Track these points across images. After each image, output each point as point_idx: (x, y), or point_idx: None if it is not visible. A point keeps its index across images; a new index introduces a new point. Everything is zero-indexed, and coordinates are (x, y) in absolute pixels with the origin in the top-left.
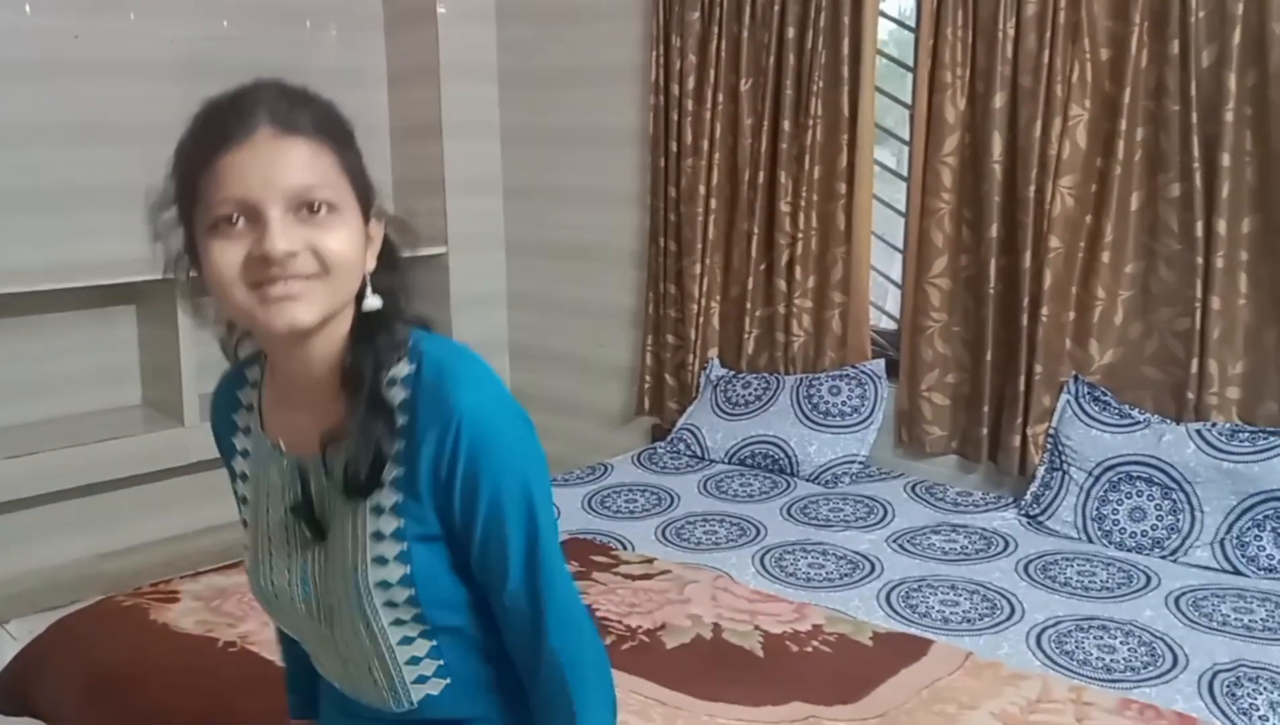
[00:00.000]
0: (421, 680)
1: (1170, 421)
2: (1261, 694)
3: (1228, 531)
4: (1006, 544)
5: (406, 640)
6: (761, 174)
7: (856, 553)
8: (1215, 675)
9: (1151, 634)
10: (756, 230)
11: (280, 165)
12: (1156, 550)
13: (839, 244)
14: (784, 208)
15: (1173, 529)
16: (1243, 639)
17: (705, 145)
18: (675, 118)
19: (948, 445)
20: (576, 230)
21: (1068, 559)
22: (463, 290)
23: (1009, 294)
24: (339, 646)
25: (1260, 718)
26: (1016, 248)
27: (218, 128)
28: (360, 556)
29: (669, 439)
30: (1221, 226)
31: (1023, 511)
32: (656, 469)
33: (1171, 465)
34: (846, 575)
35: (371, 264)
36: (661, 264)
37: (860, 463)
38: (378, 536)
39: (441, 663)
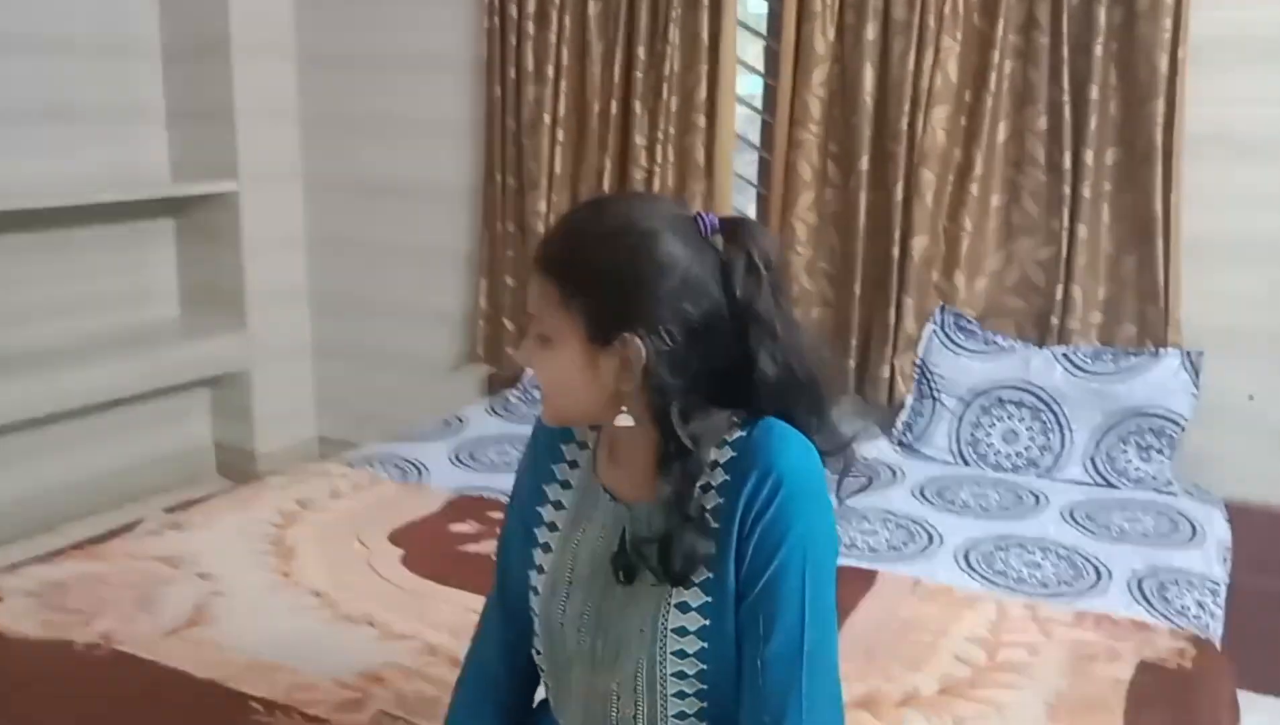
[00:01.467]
0: None
1: (1034, 346)
2: (1186, 594)
3: (1097, 447)
4: (894, 472)
5: (681, 695)
6: (614, 105)
7: None
8: (1141, 582)
9: (1064, 547)
10: (609, 164)
11: (530, 295)
12: (1032, 469)
13: (698, 180)
14: (639, 140)
15: (1045, 448)
16: (1147, 546)
17: (550, 72)
18: (514, 41)
19: None
20: (392, 164)
21: (956, 482)
22: (256, 232)
23: (878, 228)
24: (610, 681)
25: (1194, 616)
26: (887, 181)
27: None
28: (663, 614)
29: (521, 386)
30: (1089, 157)
31: (895, 439)
32: (516, 418)
33: (1041, 388)
34: None
35: (626, 384)
36: (499, 201)
37: None
38: (683, 608)
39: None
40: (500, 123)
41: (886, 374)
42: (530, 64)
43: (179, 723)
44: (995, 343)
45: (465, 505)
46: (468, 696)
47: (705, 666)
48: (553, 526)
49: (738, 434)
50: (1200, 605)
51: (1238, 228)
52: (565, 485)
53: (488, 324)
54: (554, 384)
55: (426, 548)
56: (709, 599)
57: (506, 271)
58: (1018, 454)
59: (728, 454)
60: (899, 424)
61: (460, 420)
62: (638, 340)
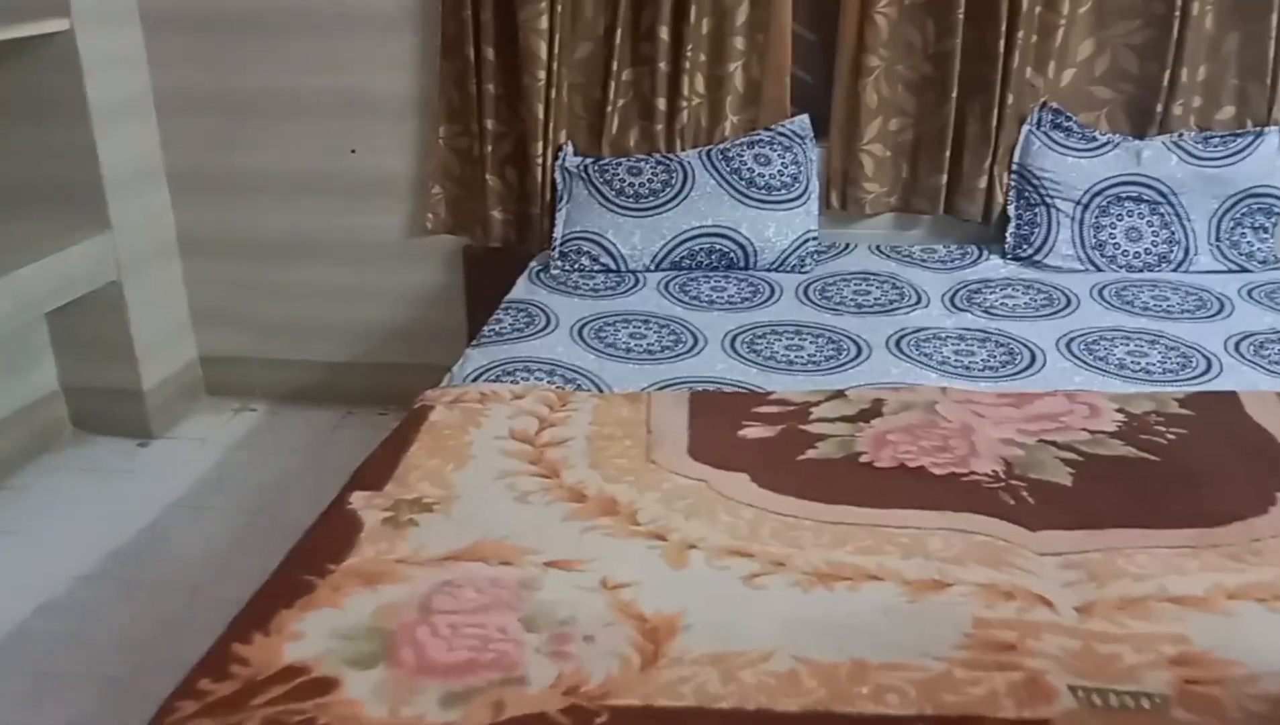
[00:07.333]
0: None
1: (1130, 137)
2: None
3: (1218, 234)
4: (1068, 298)
5: None
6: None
7: (967, 330)
8: None
9: None
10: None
11: None
12: (1164, 265)
13: None
14: (663, 66)
15: (1170, 241)
16: None
17: None
18: None
19: (886, 203)
20: None
21: (1134, 288)
22: (102, 96)
23: (975, 20)
24: None
25: None
26: None
27: None
28: None
29: (559, 254)
30: None
31: (1010, 255)
32: (568, 287)
33: (1158, 180)
34: (1016, 356)
35: None
36: (469, 20)
37: (815, 239)
38: None
39: None
40: None
41: (984, 185)
42: None
43: None
44: (1094, 137)
45: (730, 404)
46: None
47: None
48: None
49: None
50: None
51: None
52: None
53: (452, 184)
54: None
55: (769, 463)
56: None
57: (486, 114)
58: (1145, 251)
59: None
60: (1009, 238)
61: (538, 315)
62: None
